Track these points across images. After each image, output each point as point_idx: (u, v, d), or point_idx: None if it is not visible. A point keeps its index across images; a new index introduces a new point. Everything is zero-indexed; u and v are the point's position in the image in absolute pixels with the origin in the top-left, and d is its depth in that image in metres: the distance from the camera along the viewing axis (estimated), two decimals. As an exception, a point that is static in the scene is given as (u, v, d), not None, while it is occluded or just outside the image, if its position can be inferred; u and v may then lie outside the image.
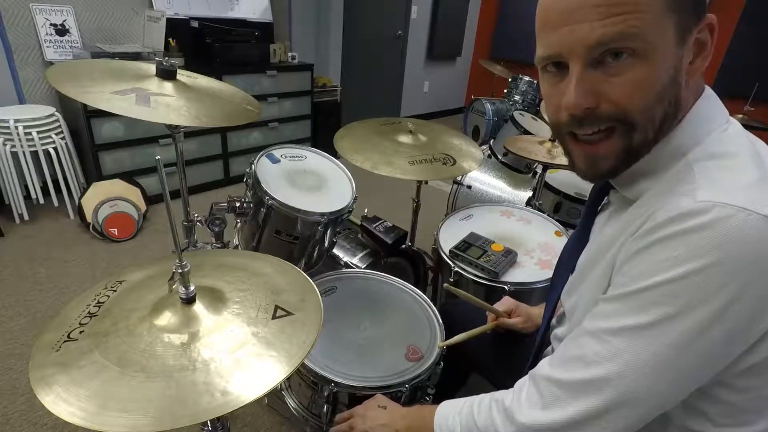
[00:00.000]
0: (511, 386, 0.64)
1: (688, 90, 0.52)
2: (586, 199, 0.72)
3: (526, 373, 0.62)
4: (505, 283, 1.22)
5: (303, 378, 0.97)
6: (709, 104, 0.54)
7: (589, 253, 0.68)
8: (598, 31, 0.46)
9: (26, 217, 2.36)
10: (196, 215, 1.34)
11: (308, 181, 1.34)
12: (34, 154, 2.27)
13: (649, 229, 0.48)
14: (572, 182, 1.97)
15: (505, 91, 4.10)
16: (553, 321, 0.81)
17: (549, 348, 0.82)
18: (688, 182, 0.49)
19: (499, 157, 2.14)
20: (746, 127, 0.55)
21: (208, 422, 0.78)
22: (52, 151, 2.28)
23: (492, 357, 1.03)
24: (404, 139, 1.46)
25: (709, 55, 0.50)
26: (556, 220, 1.52)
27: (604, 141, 0.53)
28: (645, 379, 0.48)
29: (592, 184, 0.69)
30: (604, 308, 0.52)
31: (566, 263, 0.74)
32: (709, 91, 0.55)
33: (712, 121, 0.53)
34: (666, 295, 0.46)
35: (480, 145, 1.73)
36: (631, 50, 0.47)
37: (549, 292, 0.79)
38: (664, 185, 0.53)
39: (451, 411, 0.68)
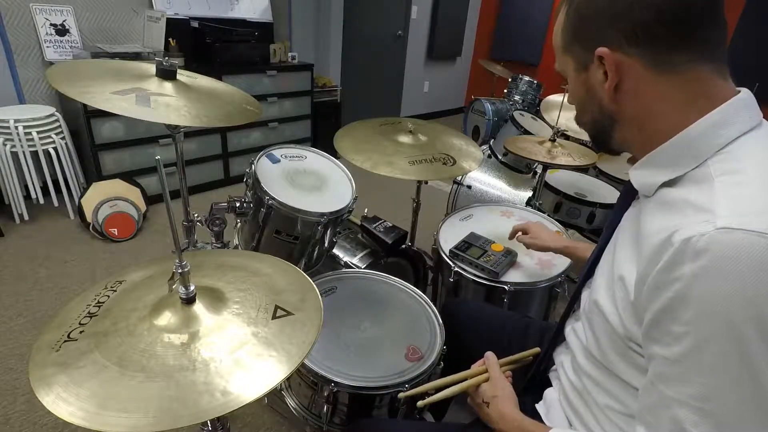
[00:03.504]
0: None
1: (623, 103, 0.59)
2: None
3: (528, 374, 0.61)
4: (505, 283, 1.22)
5: (303, 378, 0.97)
6: (731, 110, 0.53)
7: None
8: (556, 64, 0.69)
9: (26, 217, 2.36)
10: (196, 215, 1.34)
11: (308, 181, 1.34)
12: (34, 154, 2.27)
13: (669, 264, 0.49)
14: (572, 182, 1.96)
15: (505, 91, 4.09)
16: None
17: (562, 344, 0.82)
18: (705, 192, 0.50)
19: (499, 157, 2.14)
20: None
21: (208, 422, 0.78)
22: (52, 151, 2.28)
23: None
24: (404, 139, 1.46)
25: (609, 78, 0.58)
26: (556, 220, 1.52)
27: None
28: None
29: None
30: (673, 371, 0.51)
31: (591, 261, 0.74)
32: (742, 95, 0.54)
33: (730, 127, 0.53)
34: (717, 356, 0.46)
35: (480, 145, 1.74)
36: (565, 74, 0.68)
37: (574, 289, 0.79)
38: (678, 188, 0.54)
39: None
